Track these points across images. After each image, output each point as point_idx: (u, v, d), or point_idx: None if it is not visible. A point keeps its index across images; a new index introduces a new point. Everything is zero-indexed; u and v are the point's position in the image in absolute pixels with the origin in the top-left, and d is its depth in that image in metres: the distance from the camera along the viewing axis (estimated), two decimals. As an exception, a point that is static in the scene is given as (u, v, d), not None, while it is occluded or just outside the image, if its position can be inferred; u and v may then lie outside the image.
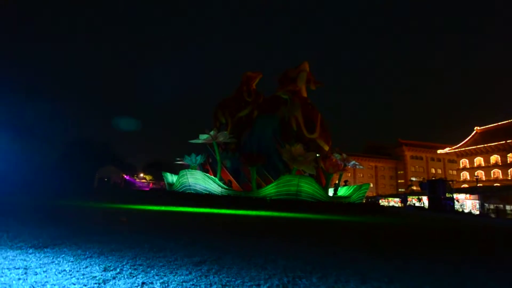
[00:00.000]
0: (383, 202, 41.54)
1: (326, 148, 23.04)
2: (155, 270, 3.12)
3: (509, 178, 49.51)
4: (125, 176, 52.06)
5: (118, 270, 3.06)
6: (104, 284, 2.59)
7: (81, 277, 2.76)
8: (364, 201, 25.31)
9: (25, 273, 2.76)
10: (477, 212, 29.90)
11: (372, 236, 7.18)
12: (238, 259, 3.80)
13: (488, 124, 60.30)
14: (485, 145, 54.75)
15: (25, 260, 3.21)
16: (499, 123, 57.66)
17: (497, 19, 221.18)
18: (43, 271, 2.83)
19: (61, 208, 9.67)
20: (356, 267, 3.80)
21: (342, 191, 23.25)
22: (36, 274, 2.74)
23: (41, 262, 3.17)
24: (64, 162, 41.99)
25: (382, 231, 8.19)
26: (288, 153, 18.71)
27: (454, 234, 8.58)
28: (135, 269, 3.11)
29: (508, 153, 48.48)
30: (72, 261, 3.28)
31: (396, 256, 4.74)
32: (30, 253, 3.52)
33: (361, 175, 75.79)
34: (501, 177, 51.56)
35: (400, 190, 70.90)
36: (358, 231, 7.85)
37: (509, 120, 55.57)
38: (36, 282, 2.52)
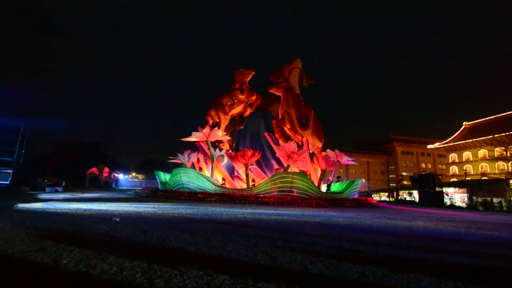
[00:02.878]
0: (375, 197, 42.19)
1: (319, 144, 23.21)
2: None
3: (497, 172, 50.93)
4: (116, 175, 51.43)
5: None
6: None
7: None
8: (357, 196, 25.61)
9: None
10: (465, 206, 30.67)
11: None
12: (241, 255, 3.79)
13: (476, 120, 61.80)
14: (473, 139, 56.10)
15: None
16: (487, 118, 59.15)
17: (497, 19, 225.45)
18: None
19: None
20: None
21: (335, 187, 23.49)
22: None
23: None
24: (56, 160, 41.36)
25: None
26: (282, 150, 18.78)
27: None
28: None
29: (496, 147, 49.74)
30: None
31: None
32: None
33: (354, 170, 76.75)
34: (488, 170, 52.99)
35: (391, 184, 72.16)
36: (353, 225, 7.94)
37: (496, 115, 57.07)
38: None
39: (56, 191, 20.90)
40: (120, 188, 42.59)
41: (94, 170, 46.87)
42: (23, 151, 16.39)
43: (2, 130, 15.66)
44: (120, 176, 53.26)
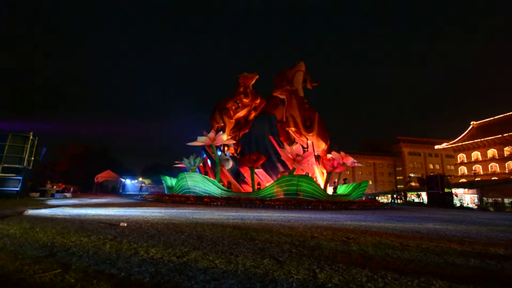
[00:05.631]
0: (382, 199, 41.73)
1: (325, 146, 23.11)
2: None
3: (507, 172, 49.94)
4: (123, 180, 51.88)
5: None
6: None
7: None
8: (363, 199, 25.38)
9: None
10: (476, 207, 30.08)
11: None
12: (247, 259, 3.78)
13: (484, 119, 60.82)
14: (482, 139, 55.21)
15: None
16: (495, 117, 58.17)
17: (497, 19, 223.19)
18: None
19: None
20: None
21: (342, 189, 23.30)
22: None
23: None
24: (64, 165, 42.01)
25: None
26: (287, 153, 18.74)
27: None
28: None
29: (505, 146, 48.90)
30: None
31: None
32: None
33: (360, 172, 76.11)
34: (498, 170, 52.00)
35: (399, 186, 71.24)
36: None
37: (505, 114, 56.08)
38: None
39: (65, 197, 21.18)
40: (127, 193, 42.93)
41: (101, 175, 47.42)
42: (32, 158, 16.65)
43: (12, 137, 15.96)
44: (127, 181, 53.70)
